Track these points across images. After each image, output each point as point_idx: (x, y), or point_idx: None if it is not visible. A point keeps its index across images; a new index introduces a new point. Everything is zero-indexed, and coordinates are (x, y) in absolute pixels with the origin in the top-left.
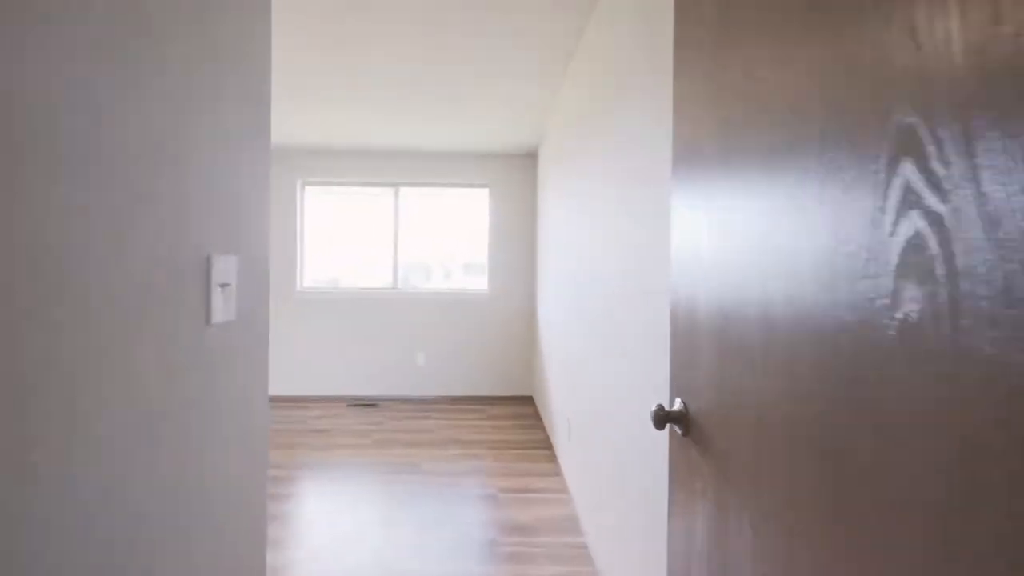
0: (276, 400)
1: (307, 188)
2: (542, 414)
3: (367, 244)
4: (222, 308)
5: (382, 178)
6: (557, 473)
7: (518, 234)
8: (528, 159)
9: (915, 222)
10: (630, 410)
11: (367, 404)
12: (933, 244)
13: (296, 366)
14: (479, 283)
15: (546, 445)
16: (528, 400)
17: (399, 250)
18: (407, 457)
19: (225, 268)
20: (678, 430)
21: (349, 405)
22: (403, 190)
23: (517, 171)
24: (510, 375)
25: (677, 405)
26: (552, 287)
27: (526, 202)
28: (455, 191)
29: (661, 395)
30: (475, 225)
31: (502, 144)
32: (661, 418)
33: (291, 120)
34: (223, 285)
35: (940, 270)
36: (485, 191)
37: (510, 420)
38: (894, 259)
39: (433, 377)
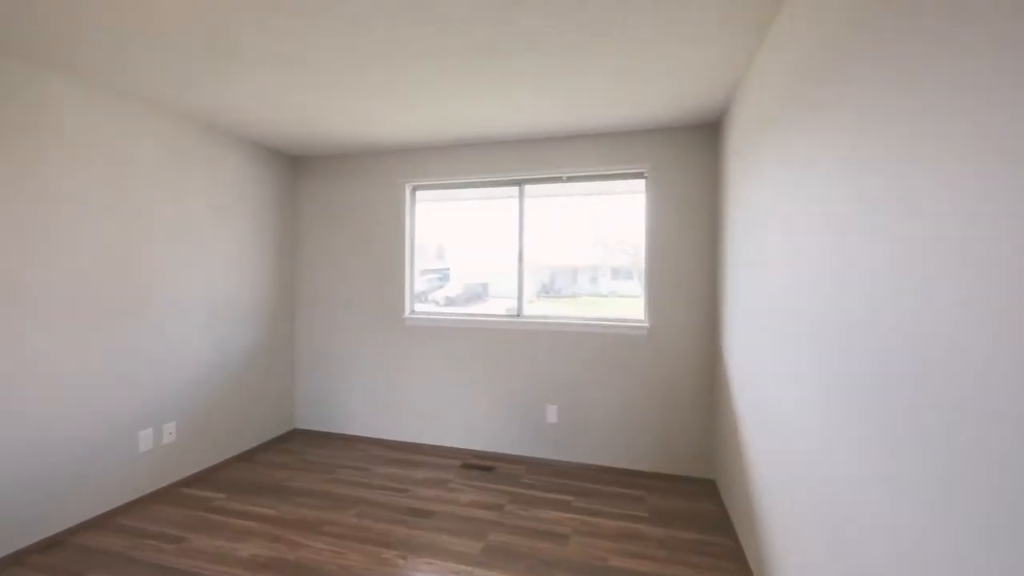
0: (384, 445)
1: (417, 197)
2: (736, 522)
3: (497, 255)
4: None
5: (503, 173)
6: None
7: (692, 240)
8: (706, 133)
9: None
10: None
11: (484, 466)
12: None
13: (404, 406)
14: (632, 312)
15: None
16: (708, 488)
17: (528, 263)
18: None
19: None
20: None
21: (463, 465)
22: (531, 188)
23: (691, 150)
24: (678, 446)
25: None
26: (758, 321)
27: (704, 193)
28: (599, 187)
29: None
30: (628, 224)
31: (667, 113)
32: None
33: (395, 115)
34: None
35: None
36: (640, 183)
37: (685, 529)
38: None
39: (568, 439)
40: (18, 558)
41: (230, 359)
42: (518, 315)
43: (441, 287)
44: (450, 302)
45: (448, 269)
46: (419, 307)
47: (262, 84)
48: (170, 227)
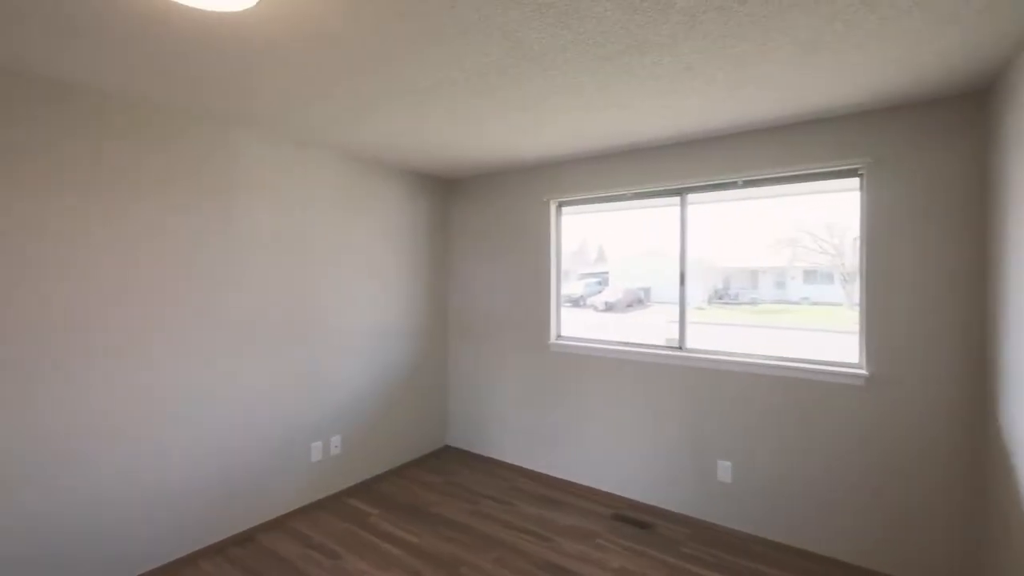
0: (529, 477)
1: (563, 212)
2: None
3: (659, 253)
4: None
5: (660, 183)
6: None
7: (937, 256)
8: (965, 106)
9: None
10: None
11: (639, 522)
12: None
13: (552, 438)
14: (845, 354)
15: None
16: None
17: (690, 277)
18: None
19: None
20: None
21: (614, 516)
22: (694, 196)
23: (938, 134)
24: (917, 545)
25: None
26: None
27: (960, 191)
28: (783, 189)
29: None
30: (826, 225)
31: (894, 84)
32: None
33: (538, 129)
34: None
35: None
36: (853, 182)
37: None
38: None
39: (747, 504)
40: (221, 548)
41: (388, 378)
42: (680, 348)
43: (600, 291)
44: (609, 307)
45: (607, 273)
46: (566, 330)
47: (407, 121)
48: (339, 258)
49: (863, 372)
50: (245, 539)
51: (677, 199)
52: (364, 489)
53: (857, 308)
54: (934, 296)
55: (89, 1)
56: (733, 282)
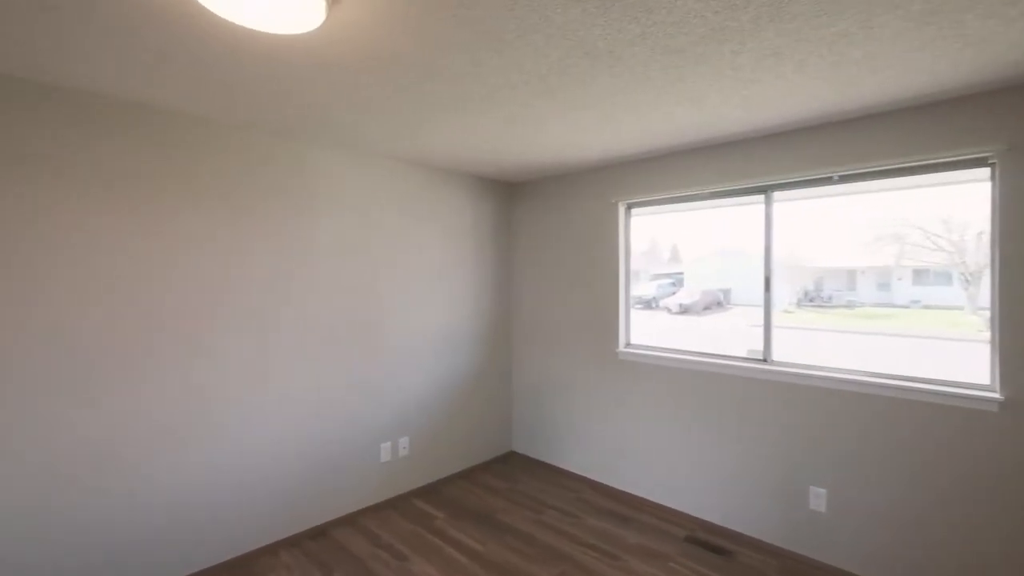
0: (596, 489)
1: (633, 213)
2: None
3: (740, 251)
4: None
5: (742, 180)
6: None
7: None
8: None
9: None
10: None
11: (716, 548)
12: None
13: (620, 450)
14: (969, 367)
15: None
16: None
17: (776, 279)
18: None
19: None
20: None
21: (687, 539)
22: (780, 194)
23: None
24: None
25: None
26: None
27: None
28: (891, 185)
29: None
30: (941, 220)
31: None
32: None
33: (603, 126)
34: None
35: None
36: (984, 172)
37: None
38: None
39: (845, 537)
40: (297, 541)
41: (455, 382)
42: (764, 360)
43: (674, 292)
44: (684, 310)
45: (682, 274)
46: (635, 337)
47: (466, 128)
48: (405, 264)
49: (996, 396)
50: (318, 533)
51: (761, 197)
52: (431, 491)
53: (982, 313)
54: None
55: (183, 36)
56: (826, 283)
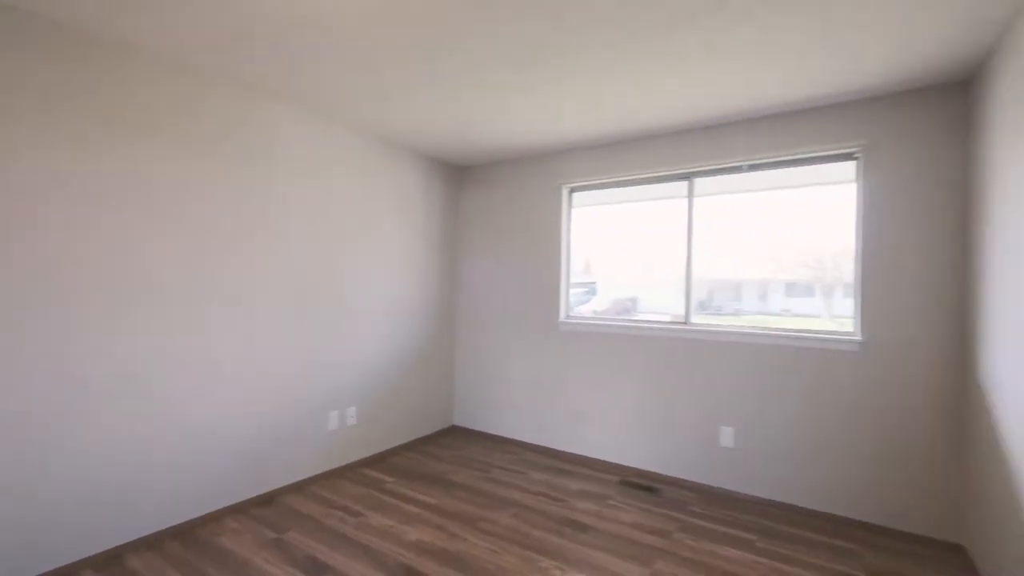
0: (537, 451)
1: (577, 198)
2: None
3: (652, 263)
4: None
5: (668, 167)
6: None
7: (928, 234)
8: (949, 95)
9: None
10: None
11: (646, 487)
12: None
13: (560, 414)
14: (815, 314)
15: None
16: (954, 554)
17: (694, 269)
18: None
19: None
20: None
21: (622, 482)
22: (700, 184)
23: (925, 121)
24: (907, 496)
25: None
26: None
27: (945, 174)
28: (776, 179)
29: None
30: (813, 229)
31: (887, 72)
32: None
33: (550, 110)
34: None
35: None
36: (845, 168)
37: None
38: None
39: (748, 468)
40: (241, 508)
41: (402, 355)
42: (685, 322)
43: (587, 301)
44: (596, 316)
45: (595, 283)
46: (575, 311)
47: (434, 100)
48: (359, 237)
49: (857, 338)
50: (266, 500)
51: (685, 184)
52: (378, 460)
53: (836, 319)
54: (921, 272)
55: None
56: (717, 294)
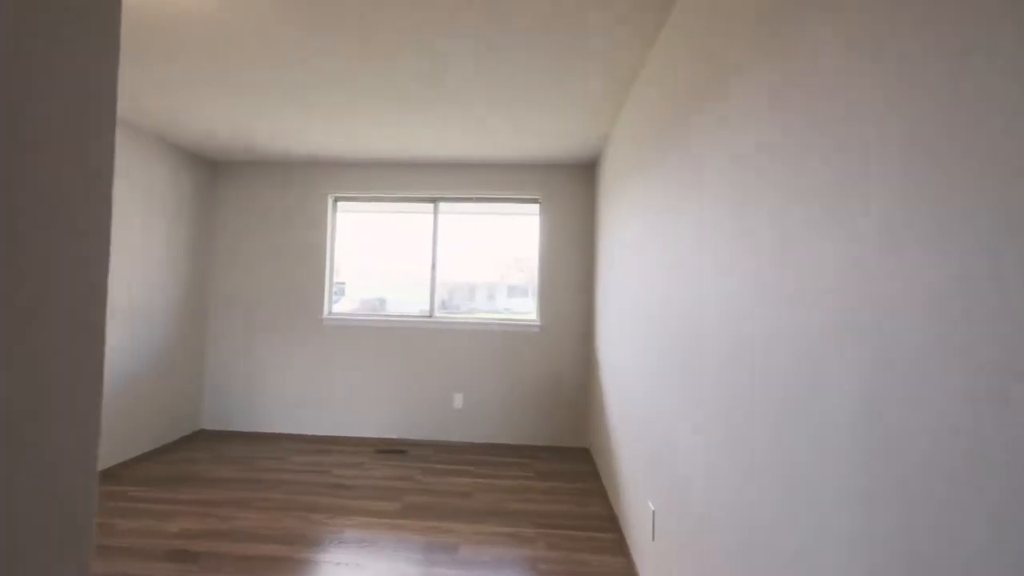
0: (300, 440)
1: (339, 205)
2: (603, 476)
3: (402, 267)
4: None
5: (420, 191)
6: None
7: (574, 256)
8: (586, 171)
9: None
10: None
11: (396, 450)
12: None
13: (323, 403)
14: (527, 312)
15: (612, 526)
16: (583, 455)
17: (438, 274)
18: (441, 533)
19: None
20: None
21: (377, 451)
22: (444, 206)
23: (573, 183)
24: (562, 424)
25: None
26: (617, 321)
27: (583, 219)
28: (501, 208)
29: None
30: (523, 246)
31: (557, 153)
32: None
33: (320, 130)
34: None
35: None
36: (535, 207)
37: (563, 481)
38: None
39: (471, 421)
40: None
41: (144, 356)
42: (430, 316)
43: (337, 301)
44: (358, 313)
45: (344, 283)
46: (338, 308)
47: (188, 94)
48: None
49: (538, 323)
50: None
51: (432, 206)
52: (112, 475)
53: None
54: (571, 282)
55: None
56: (456, 295)
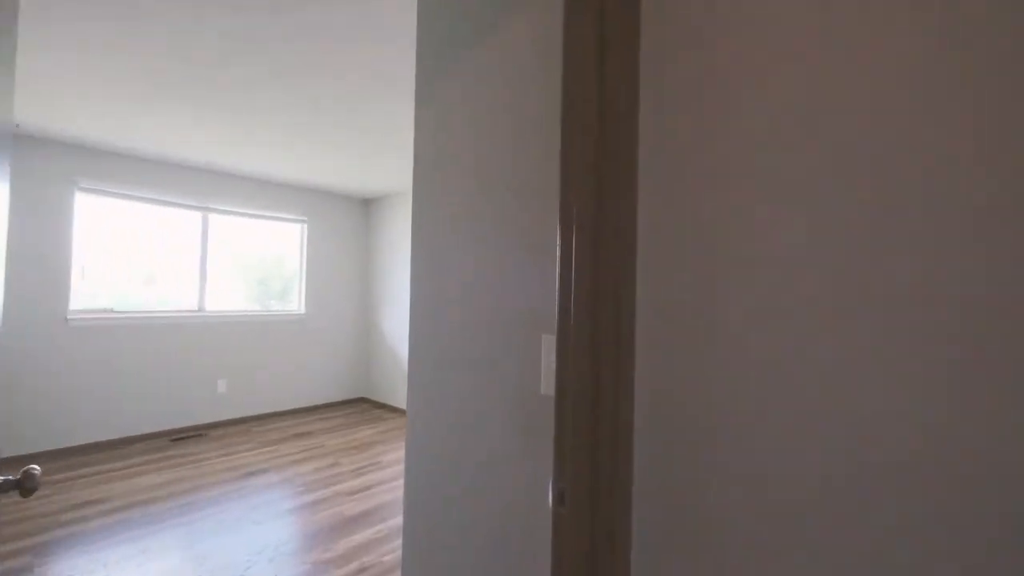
0: (70, 452)
1: (81, 196)
2: (382, 395)
3: (165, 265)
4: None
5: (186, 197)
6: None
7: (346, 261)
8: (359, 202)
9: None
10: None
11: (189, 438)
12: None
13: (88, 409)
14: (292, 307)
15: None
16: (364, 402)
17: (207, 270)
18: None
19: None
20: None
21: (172, 440)
22: (212, 206)
23: (344, 209)
24: (342, 384)
25: None
26: (400, 310)
27: (354, 236)
28: (268, 222)
29: None
30: (288, 250)
31: (328, 182)
32: None
33: (68, 107)
34: None
35: None
36: (302, 226)
37: (344, 417)
38: None
39: (237, 404)
40: None
41: None
42: (199, 309)
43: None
44: (115, 310)
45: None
46: (82, 305)
47: None
48: None
49: (302, 312)
50: None
51: (200, 214)
52: None
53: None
54: (338, 280)
55: None
56: (229, 292)
